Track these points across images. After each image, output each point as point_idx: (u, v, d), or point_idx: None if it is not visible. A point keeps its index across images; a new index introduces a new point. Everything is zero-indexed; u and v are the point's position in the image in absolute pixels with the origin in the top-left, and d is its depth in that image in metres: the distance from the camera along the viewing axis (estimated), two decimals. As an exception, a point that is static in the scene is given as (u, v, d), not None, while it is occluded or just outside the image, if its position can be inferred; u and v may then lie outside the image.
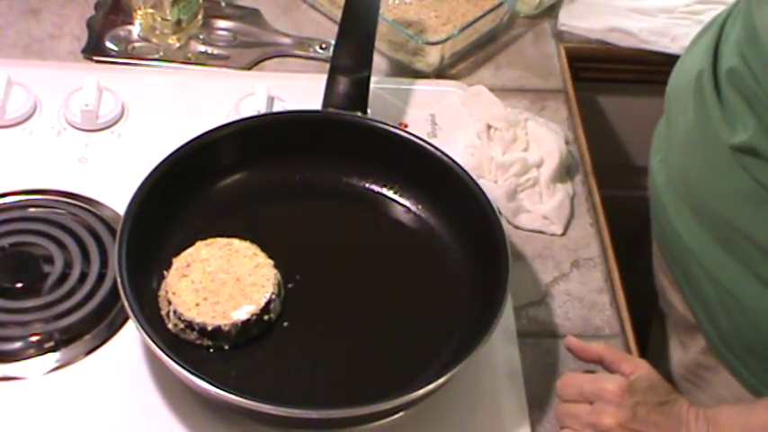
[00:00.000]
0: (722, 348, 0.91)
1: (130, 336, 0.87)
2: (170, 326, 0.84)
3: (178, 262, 0.86)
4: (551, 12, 1.25)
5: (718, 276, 0.87)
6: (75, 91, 1.03)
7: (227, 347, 0.84)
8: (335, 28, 1.01)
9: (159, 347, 0.77)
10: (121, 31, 1.14)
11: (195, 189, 0.93)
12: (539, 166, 1.05)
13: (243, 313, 0.83)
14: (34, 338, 0.86)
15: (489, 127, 1.07)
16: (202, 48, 1.14)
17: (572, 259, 1.00)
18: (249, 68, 1.13)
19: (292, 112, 1.00)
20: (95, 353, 0.86)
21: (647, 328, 1.10)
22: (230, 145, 0.95)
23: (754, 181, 0.81)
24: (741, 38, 0.85)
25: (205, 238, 0.88)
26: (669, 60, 1.12)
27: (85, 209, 0.95)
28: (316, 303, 0.88)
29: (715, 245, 0.87)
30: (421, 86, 1.13)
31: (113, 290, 0.87)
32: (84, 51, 1.12)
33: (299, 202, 0.97)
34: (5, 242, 0.91)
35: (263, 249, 0.88)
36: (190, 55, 1.14)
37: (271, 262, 0.87)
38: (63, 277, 0.89)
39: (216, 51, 1.14)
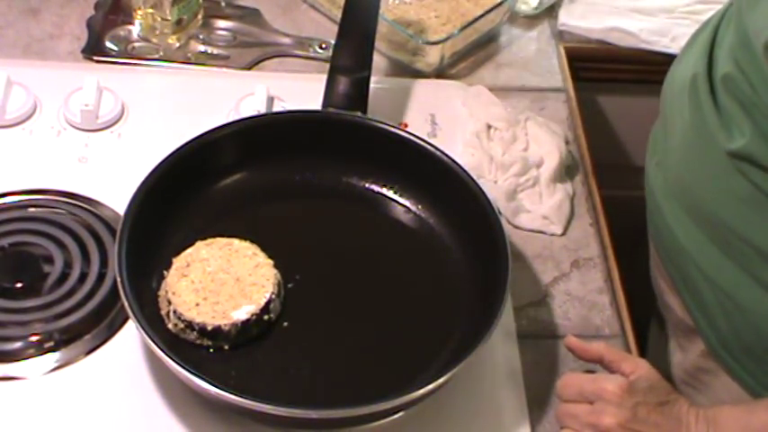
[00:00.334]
0: (721, 351, 0.91)
1: (130, 336, 0.87)
2: (170, 326, 0.84)
3: (178, 262, 0.86)
4: (551, 12, 1.25)
5: (716, 279, 0.87)
6: (75, 91, 1.03)
7: (227, 347, 0.84)
8: (335, 28, 1.01)
9: (159, 347, 0.77)
10: (121, 31, 1.14)
11: (195, 189, 0.93)
12: (539, 165, 1.05)
13: (243, 313, 0.83)
14: (34, 338, 0.86)
15: (489, 127, 1.07)
16: (202, 48, 1.14)
17: (572, 259, 1.00)
18: (249, 68, 1.13)
19: (292, 112, 1.00)
20: (95, 353, 0.86)
21: (647, 328, 1.10)
22: (230, 145, 0.95)
23: (752, 185, 0.81)
24: (734, 43, 0.84)
25: (205, 238, 0.88)
26: (669, 60, 1.11)
27: (85, 209, 0.95)
28: (316, 303, 0.88)
29: (712, 247, 0.87)
30: (421, 86, 1.13)
31: (113, 290, 0.87)
32: (84, 51, 1.12)
33: (299, 202, 0.97)
34: (5, 242, 0.91)
35: (263, 249, 0.88)
36: (190, 55, 1.14)
37: (271, 262, 0.87)
38: (63, 277, 0.89)
39: (216, 51, 1.14)
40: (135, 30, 1.14)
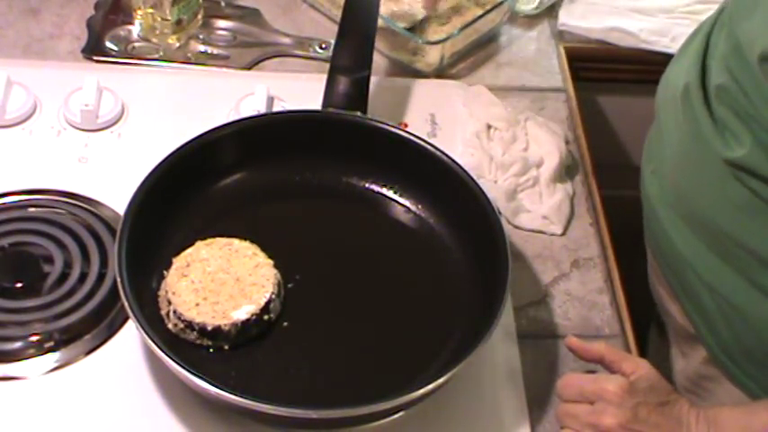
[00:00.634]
0: (723, 357, 0.91)
1: (130, 336, 0.87)
2: (170, 326, 0.84)
3: (178, 262, 0.86)
4: (551, 12, 1.25)
5: (716, 285, 0.87)
6: (75, 91, 1.03)
7: (226, 347, 0.84)
8: (335, 28, 1.01)
9: (159, 347, 0.77)
10: (121, 31, 1.14)
11: (195, 189, 0.93)
12: (538, 165, 1.05)
13: (243, 313, 0.83)
14: (34, 338, 0.86)
15: (489, 127, 1.07)
16: (202, 48, 1.14)
17: (572, 259, 1.00)
18: (249, 68, 1.13)
19: (292, 112, 1.00)
20: (95, 353, 0.86)
21: (647, 329, 1.10)
22: (230, 145, 0.95)
23: (749, 191, 0.81)
24: (727, 51, 0.84)
25: (205, 238, 0.88)
26: (669, 60, 1.11)
27: (85, 209, 0.95)
28: (316, 303, 0.88)
29: (710, 254, 0.87)
30: (421, 86, 1.13)
31: (113, 290, 0.87)
32: (84, 51, 1.12)
33: (299, 202, 0.97)
34: (5, 242, 0.91)
35: (263, 249, 0.88)
36: (190, 55, 1.14)
37: (271, 262, 0.87)
38: (63, 277, 0.89)
39: (216, 51, 1.14)
40: (135, 30, 1.14)
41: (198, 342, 0.83)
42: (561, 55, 1.21)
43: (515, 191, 1.03)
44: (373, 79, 1.00)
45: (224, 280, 0.85)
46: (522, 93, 1.16)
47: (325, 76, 0.99)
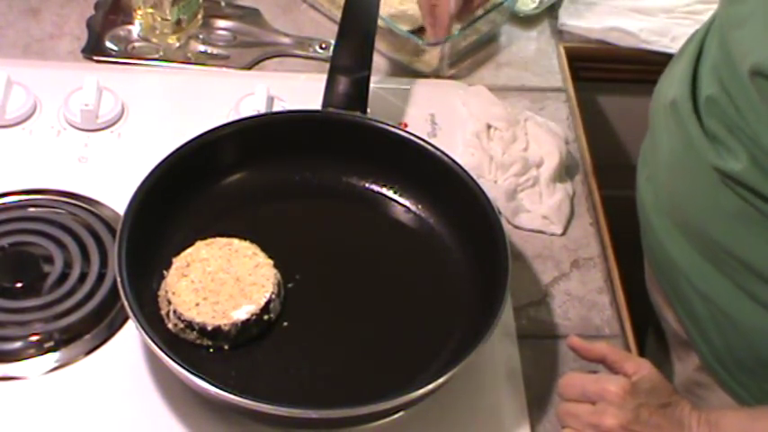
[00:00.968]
0: (715, 365, 0.91)
1: (130, 336, 0.87)
2: (170, 326, 0.84)
3: (178, 262, 0.86)
4: (551, 12, 1.25)
5: (709, 294, 0.87)
6: (75, 91, 1.03)
7: (226, 347, 0.84)
8: (335, 28, 1.01)
9: (159, 347, 0.77)
10: (121, 31, 1.14)
11: (195, 189, 0.93)
12: (538, 165, 1.05)
13: (243, 313, 0.83)
14: (34, 338, 0.86)
15: (489, 127, 1.07)
16: (202, 47, 1.14)
17: (572, 259, 1.00)
18: (249, 68, 1.13)
19: (292, 112, 1.00)
20: (95, 353, 0.86)
21: (647, 328, 1.10)
22: (230, 145, 0.95)
23: (741, 200, 0.81)
24: (719, 60, 0.83)
25: (205, 238, 0.88)
26: (669, 60, 1.11)
27: (85, 209, 0.95)
28: (316, 303, 0.88)
29: (704, 262, 0.87)
30: (421, 86, 1.13)
31: (113, 290, 0.87)
32: (84, 51, 1.12)
33: (299, 202, 0.97)
34: (5, 242, 0.91)
35: (263, 249, 0.88)
36: (190, 55, 1.14)
37: (271, 262, 0.87)
38: (63, 277, 0.89)
39: (216, 51, 1.14)
40: (135, 30, 1.14)
41: (198, 342, 0.83)
42: (561, 55, 1.21)
43: (515, 191, 1.03)
44: (373, 79, 1.00)
45: (224, 280, 0.85)
46: (522, 93, 1.16)
47: (325, 76, 0.99)
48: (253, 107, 1.04)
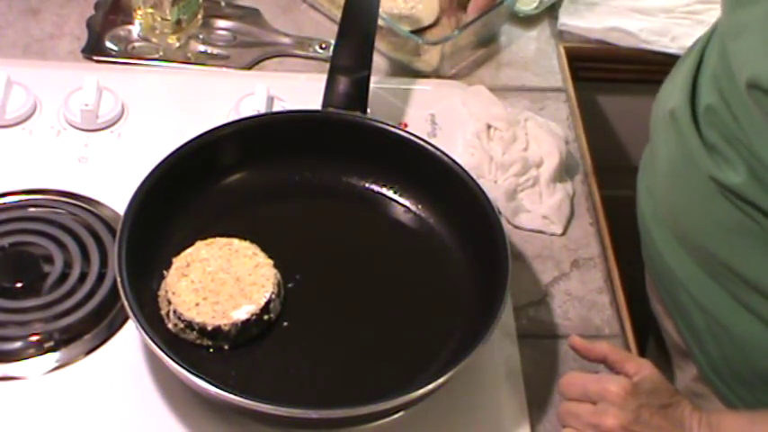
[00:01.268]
0: (713, 376, 0.91)
1: (130, 336, 0.87)
2: (170, 326, 0.84)
3: (178, 262, 0.86)
4: (551, 12, 1.25)
5: (707, 305, 0.87)
6: (75, 91, 1.03)
7: (226, 347, 0.84)
8: (335, 28, 1.01)
9: (159, 347, 0.77)
10: (121, 31, 1.14)
11: (195, 189, 0.93)
12: (538, 165, 1.05)
13: (243, 313, 0.83)
14: (34, 338, 0.86)
15: (489, 127, 1.07)
16: (202, 47, 1.14)
17: (572, 259, 1.00)
18: (249, 68, 1.13)
19: (292, 112, 1.00)
20: (95, 353, 0.86)
21: (648, 334, 1.10)
22: (230, 145, 0.95)
23: (738, 211, 0.80)
24: (719, 69, 0.83)
25: (205, 238, 0.88)
26: (669, 60, 1.11)
27: (85, 209, 0.95)
28: (316, 303, 0.88)
29: (702, 274, 0.86)
30: (421, 86, 1.13)
31: (113, 290, 0.87)
32: (84, 51, 1.12)
33: (299, 202, 0.97)
34: (5, 242, 0.91)
35: (263, 249, 0.88)
36: (190, 55, 1.14)
37: (271, 262, 0.87)
38: (63, 277, 0.89)
39: (216, 51, 1.14)
40: (135, 30, 1.14)
41: (198, 342, 0.83)
42: (561, 55, 1.21)
43: (515, 191, 1.03)
44: (373, 79, 1.00)
45: (224, 280, 0.85)
46: (522, 93, 1.16)
47: (325, 76, 0.99)
48: (253, 107, 1.04)
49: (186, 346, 0.83)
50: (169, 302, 0.84)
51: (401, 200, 0.97)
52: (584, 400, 0.80)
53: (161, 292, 0.86)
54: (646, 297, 1.05)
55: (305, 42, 1.17)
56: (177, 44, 1.14)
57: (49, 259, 0.90)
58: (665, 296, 0.95)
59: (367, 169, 0.97)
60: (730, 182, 0.80)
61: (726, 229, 0.82)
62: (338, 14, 1.01)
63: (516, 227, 1.02)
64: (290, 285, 0.88)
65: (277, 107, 1.05)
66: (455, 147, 1.04)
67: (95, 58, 1.12)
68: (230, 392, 0.75)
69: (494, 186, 1.02)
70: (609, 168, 1.13)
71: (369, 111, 0.99)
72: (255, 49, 1.15)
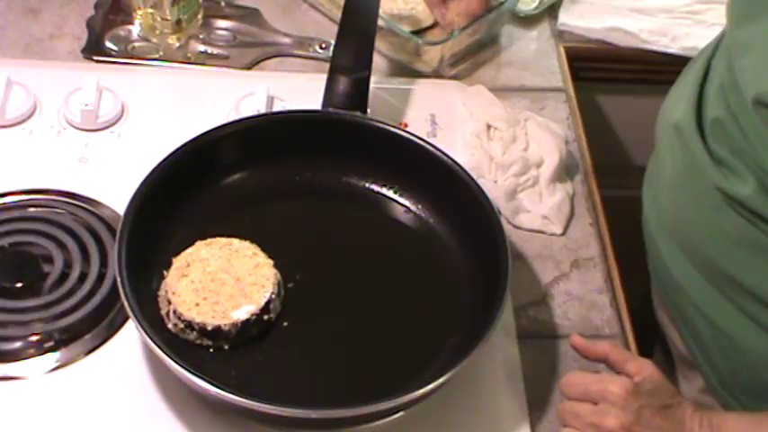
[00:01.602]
0: (720, 389, 0.90)
1: (130, 336, 0.87)
2: (170, 326, 0.84)
3: (178, 262, 0.86)
4: (551, 12, 1.25)
5: (713, 317, 0.86)
6: (75, 91, 1.03)
7: (226, 347, 0.84)
8: (335, 28, 1.01)
9: (159, 347, 0.77)
10: (121, 31, 1.14)
11: (195, 189, 0.93)
12: (538, 165, 1.05)
13: (243, 313, 0.83)
14: (34, 338, 0.86)
15: (489, 127, 1.07)
16: (202, 47, 1.14)
17: (572, 259, 1.00)
18: (249, 68, 1.13)
19: (292, 112, 1.00)
20: (95, 353, 0.86)
21: (647, 328, 1.10)
22: (230, 145, 0.95)
23: (744, 221, 0.80)
24: (726, 82, 0.82)
25: (205, 238, 0.88)
26: (669, 60, 1.12)
27: (85, 209, 0.95)
28: (316, 303, 0.88)
29: (708, 286, 0.86)
30: (421, 86, 1.13)
31: (113, 290, 0.87)
32: (83, 51, 1.12)
33: (298, 202, 0.97)
34: (5, 242, 0.91)
35: (263, 249, 0.88)
36: (190, 55, 1.14)
37: (271, 262, 0.87)
38: (63, 277, 0.89)
39: (216, 51, 1.14)
40: (135, 30, 1.14)
41: (198, 342, 0.83)
42: (561, 55, 1.21)
43: (515, 191, 1.03)
44: (373, 79, 1.00)
45: (224, 280, 0.85)
46: (522, 93, 1.16)
47: (325, 76, 0.99)
48: (253, 107, 1.04)
49: (186, 347, 0.83)
50: (169, 302, 0.84)
51: (401, 200, 0.97)
52: (585, 400, 0.80)
53: (161, 292, 0.86)
54: (647, 299, 1.05)
55: (305, 42, 1.17)
56: (177, 44, 1.14)
57: (49, 259, 0.90)
58: (671, 306, 0.95)
59: (367, 169, 0.97)
60: (739, 194, 0.80)
61: (732, 241, 0.82)
62: (338, 14, 1.01)
63: (516, 227, 1.02)
64: (290, 285, 0.88)
65: (277, 107, 1.05)
66: (455, 147, 1.04)
67: (95, 58, 1.12)
68: (230, 392, 0.75)
69: (494, 186, 1.02)
70: (609, 168, 1.13)
71: (369, 111, 0.99)
72: (255, 49, 1.15)
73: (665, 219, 0.91)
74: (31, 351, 0.85)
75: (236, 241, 0.88)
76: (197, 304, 0.83)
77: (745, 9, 0.79)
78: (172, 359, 0.77)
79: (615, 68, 1.25)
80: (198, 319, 0.82)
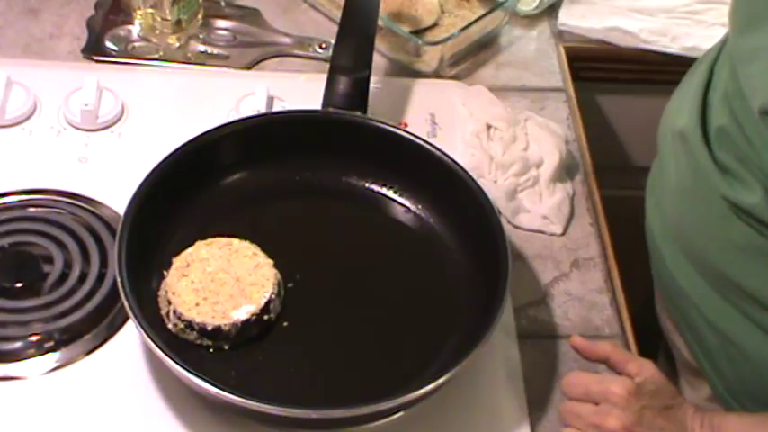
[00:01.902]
0: (727, 396, 0.90)
1: (130, 336, 0.87)
2: (170, 326, 0.84)
3: (178, 262, 0.86)
4: (551, 12, 1.25)
5: (719, 324, 0.86)
6: (75, 91, 1.03)
7: (227, 347, 0.84)
8: (335, 28, 1.01)
9: (159, 347, 0.77)
10: (121, 31, 1.14)
11: (195, 189, 0.93)
12: (538, 165, 1.05)
13: (243, 313, 0.83)
14: (34, 338, 0.86)
15: (489, 127, 1.07)
16: (202, 47, 1.14)
17: (572, 259, 1.00)
18: (249, 68, 1.13)
19: (292, 112, 1.00)
20: (95, 353, 0.86)
21: (649, 333, 1.10)
22: (230, 145, 0.95)
23: (750, 229, 0.80)
24: (730, 90, 0.82)
25: (205, 238, 0.88)
26: (669, 60, 1.12)
27: (85, 209, 0.95)
28: (316, 303, 0.88)
29: (713, 293, 0.86)
30: (421, 86, 1.13)
31: (113, 290, 0.87)
32: (83, 51, 1.12)
33: (299, 202, 0.97)
34: (5, 242, 0.91)
35: (263, 249, 0.88)
36: (190, 55, 1.14)
37: (271, 262, 0.87)
38: (63, 277, 0.89)
39: (216, 51, 1.14)
40: (135, 30, 1.14)
41: (198, 342, 0.83)
42: (561, 55, 1.21)
43: (515, 191, 1.03)
44: (373, 79, 1.00)
45: (224, 280, 0.85)
46: (522, 93, 1.16)
47: (325, 76, 0.99)
48: (253, 107, 1.04)
49: (186, 347, 0.83)
50: (169, 302, 0.84)
51: (401, 200, 0.97)
52: (586, 401, 0.80)
53: (161, 292, 0.86)
54: (649, 303, 1.05)
55: (305, 42, 1.17)
56: (177, 44, 1.14)
57: (49, 259, 0.90)
58: (676, 313, 0.95)
59: (367, 169, 0.97)
60: (745, 203, 0.79)
61: (738, 249, 0.82)
62: (338, 14, 1.01)
63: (516, 227, 1.02)
64: (290, 285, 0.88)
65: (277, 107, 1.05)
66: (455, 147, 1.04)
67: (95, 58, 1.12)
68: (230, 392, 0.75)
69: (494, 186, 1.02)
70: (609, 168, 1.13)
71: (369, 111, 0.99)
72: (255, 49, 1.15)
73: (669, 225, 0.91)
74: (31, 351, 0.85)
75: (236, 241, 0.88)
76: (197, 304, 0.83)
77: (747, 17, 0.78)
78: (172, 359, 0.77)
79: (615, 68, 1.25)
80: (198, 320, 0.82)
